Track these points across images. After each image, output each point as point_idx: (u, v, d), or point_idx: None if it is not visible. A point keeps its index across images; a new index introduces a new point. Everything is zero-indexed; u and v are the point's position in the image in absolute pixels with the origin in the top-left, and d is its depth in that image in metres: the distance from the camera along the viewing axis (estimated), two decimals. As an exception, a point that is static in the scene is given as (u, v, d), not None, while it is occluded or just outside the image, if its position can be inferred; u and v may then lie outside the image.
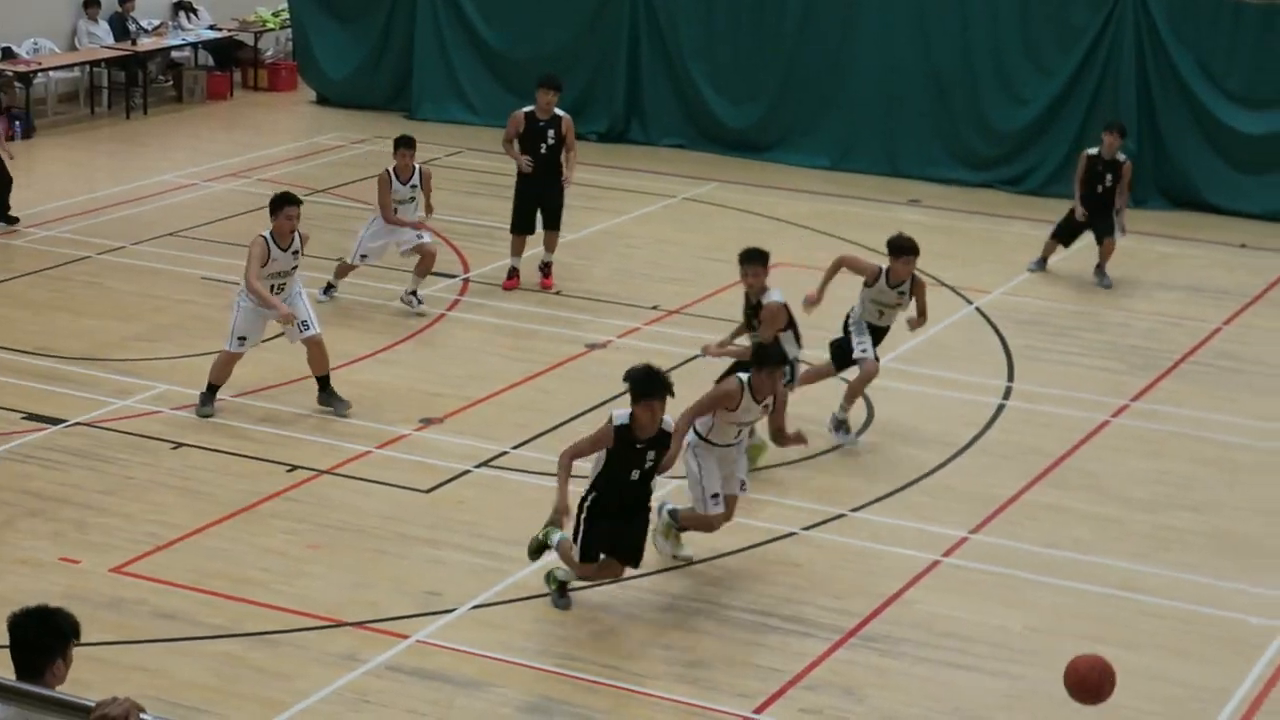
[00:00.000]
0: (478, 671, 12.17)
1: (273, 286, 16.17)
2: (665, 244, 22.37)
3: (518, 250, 20.12)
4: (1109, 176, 20.97)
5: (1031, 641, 12.92)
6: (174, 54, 30.31)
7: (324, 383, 16.41)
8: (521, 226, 20.14)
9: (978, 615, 13.26)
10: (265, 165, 25.57)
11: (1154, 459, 16.16)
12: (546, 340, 18.56)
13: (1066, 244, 21.45)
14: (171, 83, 30.03)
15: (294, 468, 15.25)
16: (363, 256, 19.28)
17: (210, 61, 30.89)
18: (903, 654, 12.68)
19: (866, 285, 16.31)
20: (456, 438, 15.98)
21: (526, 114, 20.15)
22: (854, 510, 14.90)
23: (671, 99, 27.44)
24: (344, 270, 19.42)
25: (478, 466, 15.44)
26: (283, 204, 16.33)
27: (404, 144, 19.33)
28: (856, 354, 16.18)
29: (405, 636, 12.60)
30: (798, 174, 26.07)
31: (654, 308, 19.61)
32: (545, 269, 20.24)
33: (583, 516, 12.79)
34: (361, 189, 23.53)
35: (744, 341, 15.68)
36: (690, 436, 13.50)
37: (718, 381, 14.06)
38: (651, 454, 12.68)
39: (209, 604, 12.93)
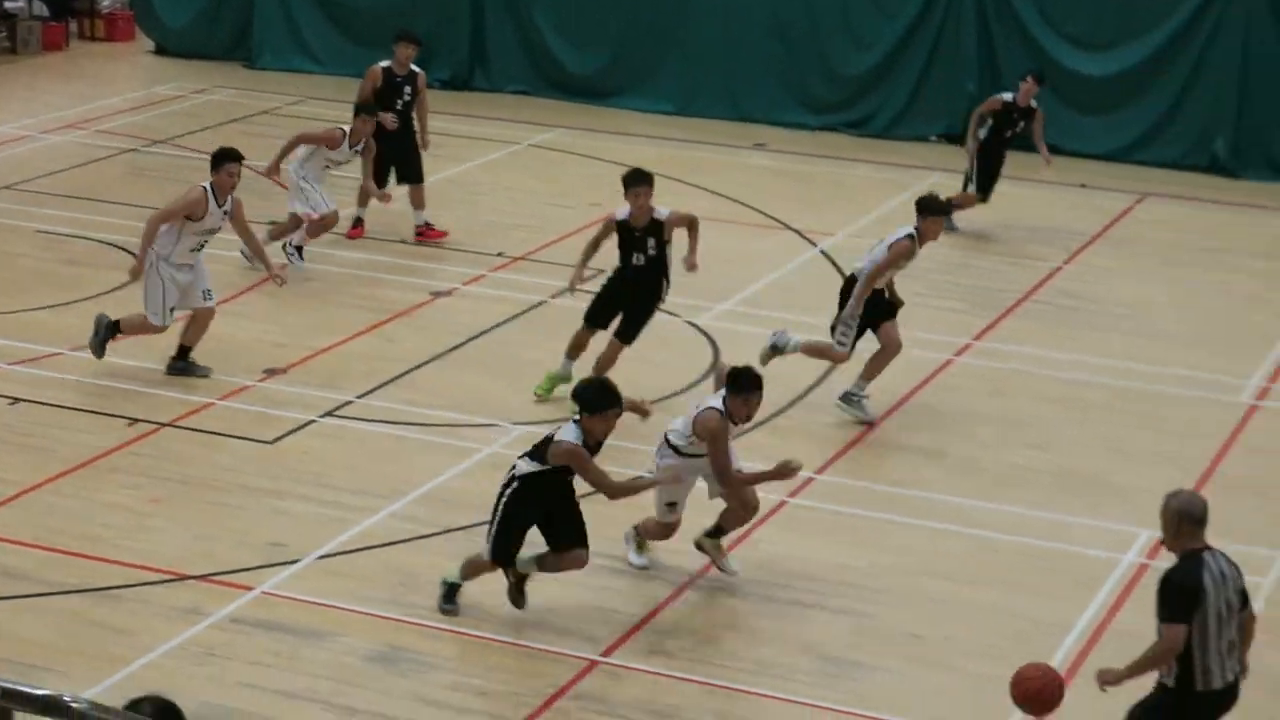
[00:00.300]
0: (323, 621, 12.09)
1: (198, 245, 15.79)
2: (510, 191, 22.27)
3: (363, 201, 19.89)
4: (1021, 124, 21.00)
5: (878, 579, 13.01)
6: (7, 5, 29.75)
7: (186, 352, 16.12)
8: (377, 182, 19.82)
9: (825, 555, 13.33)
10: (103, 116, 25.16)
11: (997, 397, 16.31)
12: (391, 289, 18.42)
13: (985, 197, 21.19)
14: (5, 34, 29.47)
15: (135, 421, 15.05)
16: (313, 209, 18.84)
17: (45, 12, 30.34)
18: (750, 594, 12.72)
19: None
20: (301, 388, 15.84)
21: (384, 69, 19.90)
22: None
23: (515, 45, 27.30)
24: (309, 227, 18.89)
25: (322, 416, 15.32)
26: (225, 160, 15.83)
27: (364, 110, 18.94)
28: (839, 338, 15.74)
29: (250, 589, 12.48)
30: (643, 119, 26.02)
31: (499, 254, 19.51)
32: (426, 227, 19.92)
33: (503, 506, 12.06)
34: (201, 139, 23.22)
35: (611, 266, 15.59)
36: (661, 445, 12.86)
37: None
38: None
39: (51, 561, 12.74)
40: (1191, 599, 9.44)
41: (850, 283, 15.75)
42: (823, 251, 20.19)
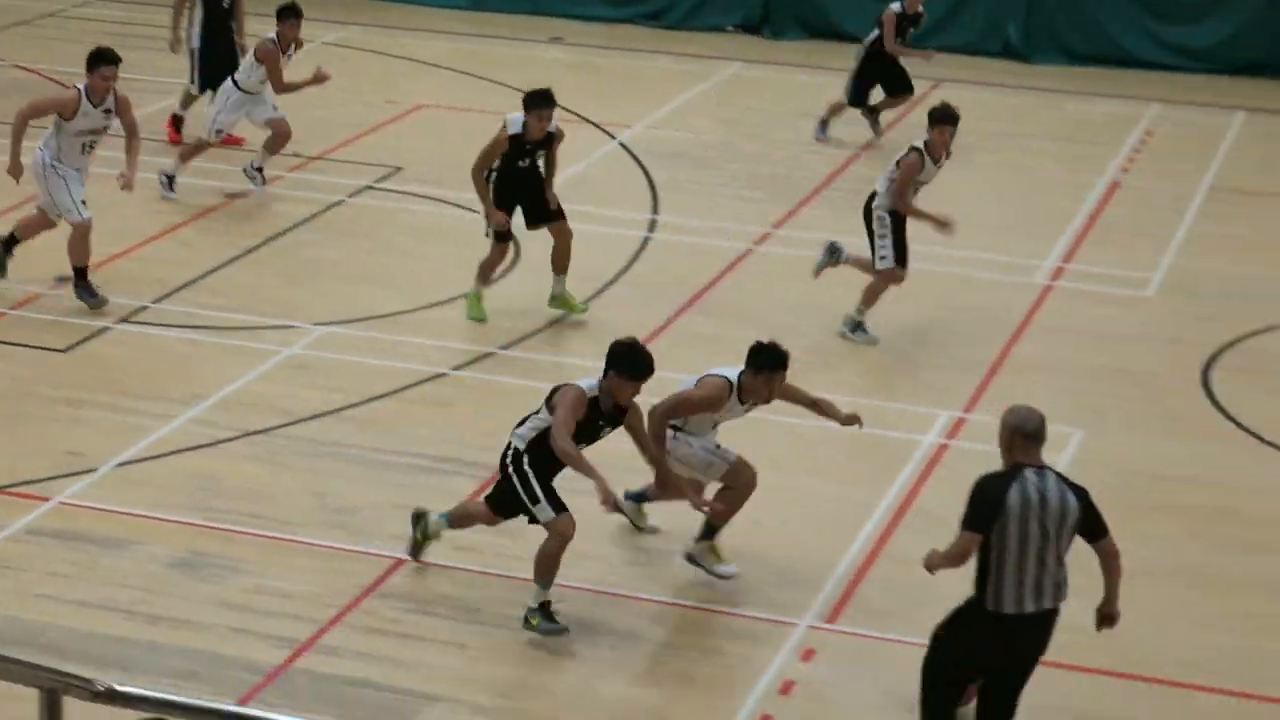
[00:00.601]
0: (123, 530, 11.91)
1: (84, 146, 15.26)
2: (304, 91, 21.88)
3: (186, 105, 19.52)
4: (911, 30, 20.90)
5: (682, 468, 13.04)
6: None
7: (82, 274, 15.38)
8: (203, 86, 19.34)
9: (627, 445, 13.22)
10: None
11: (798, 284, 16.36)
12: (185, 192, 18.09)
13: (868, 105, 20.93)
14: None
15: (-78, 333, 14.72)
16: (217, 131, 18.19)
17: None
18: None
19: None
20: (94, 295, 15.54)
21: None
22: (503, 349, 14.86)
23: (305, -58, 26.79)
24: (198, 149, 18.38)
25: (118, 323, 15.05)
26: (97, 63, 15.14)
27: (291, 14, 18.43)
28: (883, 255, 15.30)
29: (46, 499, 12.27)
30: (436, 15, 25.71)
31: (295, 155, 19.22)
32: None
33: (530, 476, 11.07)
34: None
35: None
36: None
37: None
38: (606, 427, 11.26)
39: None
40: (988, 511, 9.12)
41: (870, 202, 15.40)
42: (622, 144, 20.12)
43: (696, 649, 10.86)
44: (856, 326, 15.43)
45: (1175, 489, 13.00)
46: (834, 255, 15.59)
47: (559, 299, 15.45)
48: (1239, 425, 13.97)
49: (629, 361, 10.90)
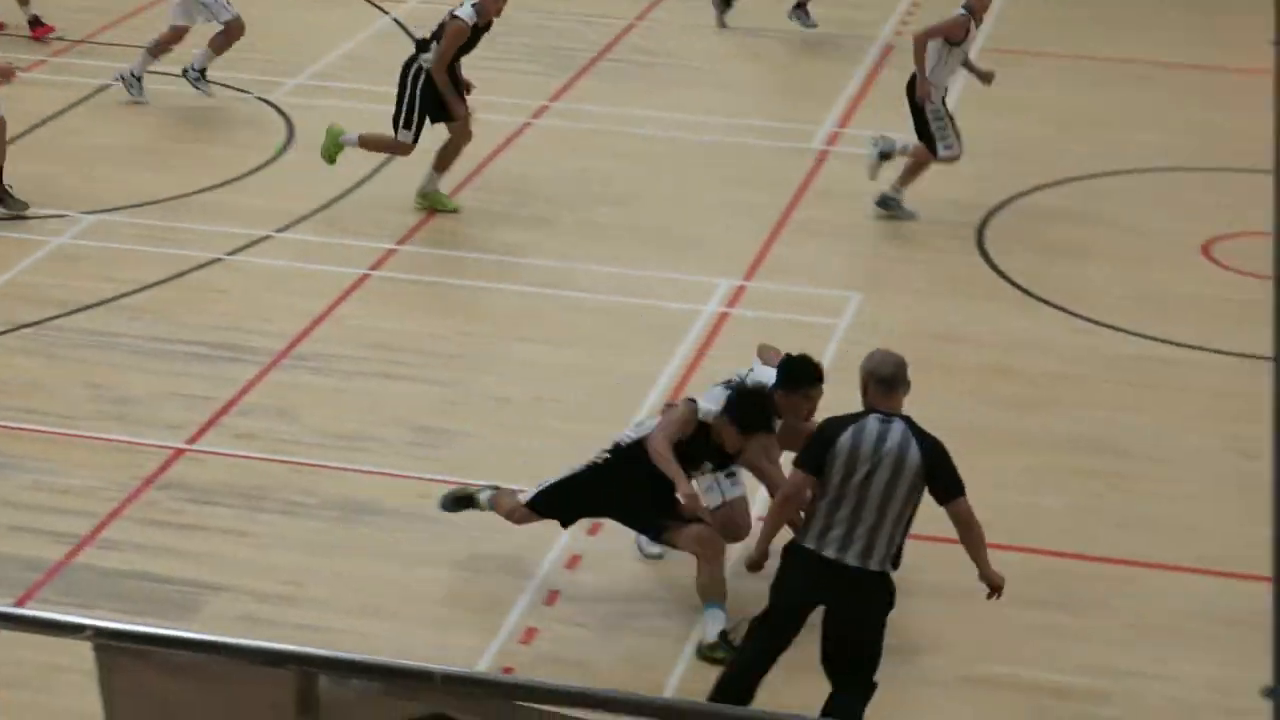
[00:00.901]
0: (-108, 431, 11.67)
1: None
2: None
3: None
4: None
5: (465, 346, 13.01)
6: None
7: None
8: None
9: (409, 325, 13.26)
10: None
11: (575, 156, 16.31)
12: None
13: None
14: None
15: None
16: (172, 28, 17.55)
17: None
18: (336, 370, 12.61)
19: (954, 45, 14.92)
20: None
21: None
22: (279, 231, 14.66)
23: None
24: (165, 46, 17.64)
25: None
26: None
27: None
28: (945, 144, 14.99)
29: None
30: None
31: (59, 39, 18.71)
32: (36, 22, 18.84)
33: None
34: None
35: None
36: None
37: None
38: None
39: None
40: (818, 450, 8.88)
41: (912, 85, 15.08)
42: (395, 20, 19.84)
43: (481, 526, 10.82)
44: (894, 203, 15.12)
45: (952, 349, 13.17)
46: (885, 151, 15.17)
47: (431, 196, 15.09)
48: (1012, 283, 14.17)
49: (745, 410, 9.94)
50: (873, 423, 8.89)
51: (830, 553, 8.80)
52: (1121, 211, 15.49)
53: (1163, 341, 13.34)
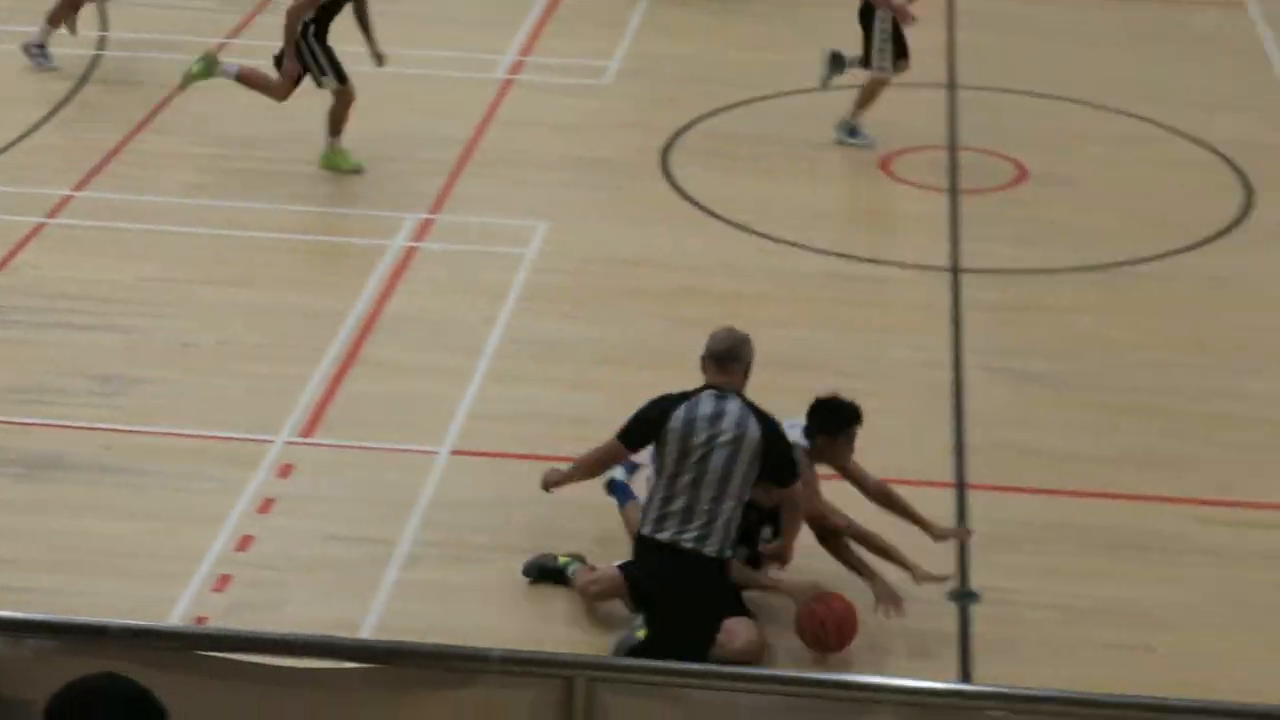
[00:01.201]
0: None
1: None
2: None
3: None
4: None
5: (147, 292, 12.75)
6: None
7: None
8: None
9: (90, 273, 12.93)
10: None
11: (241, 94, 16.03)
12: None
13: None
14: None
15: None
16: None
17: None
18: (16, 322, 12.29)
19: None
20: None
21: None
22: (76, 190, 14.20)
23: None
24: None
25: None
26: None
27: None
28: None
29: None
30: None
31: None
32: None
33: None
34: None
35: None
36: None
37: None
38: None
39: None
40: (645, 428, 8.91)
41: (867, 8, 14.96)
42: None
43: (184, 475, 10.63)
44: (853, 130, 15.19)
45: (639, 273, 13.23)
46: (838, 65, 15.28)
47: (329, 157, 14.56)
48: (698, 205, 14.27)
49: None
50: (704, 401, 8.88)
51: (664, 535, 8.76)
52: (801, 130, 15.66)
53: (846, 257, 13.55)
